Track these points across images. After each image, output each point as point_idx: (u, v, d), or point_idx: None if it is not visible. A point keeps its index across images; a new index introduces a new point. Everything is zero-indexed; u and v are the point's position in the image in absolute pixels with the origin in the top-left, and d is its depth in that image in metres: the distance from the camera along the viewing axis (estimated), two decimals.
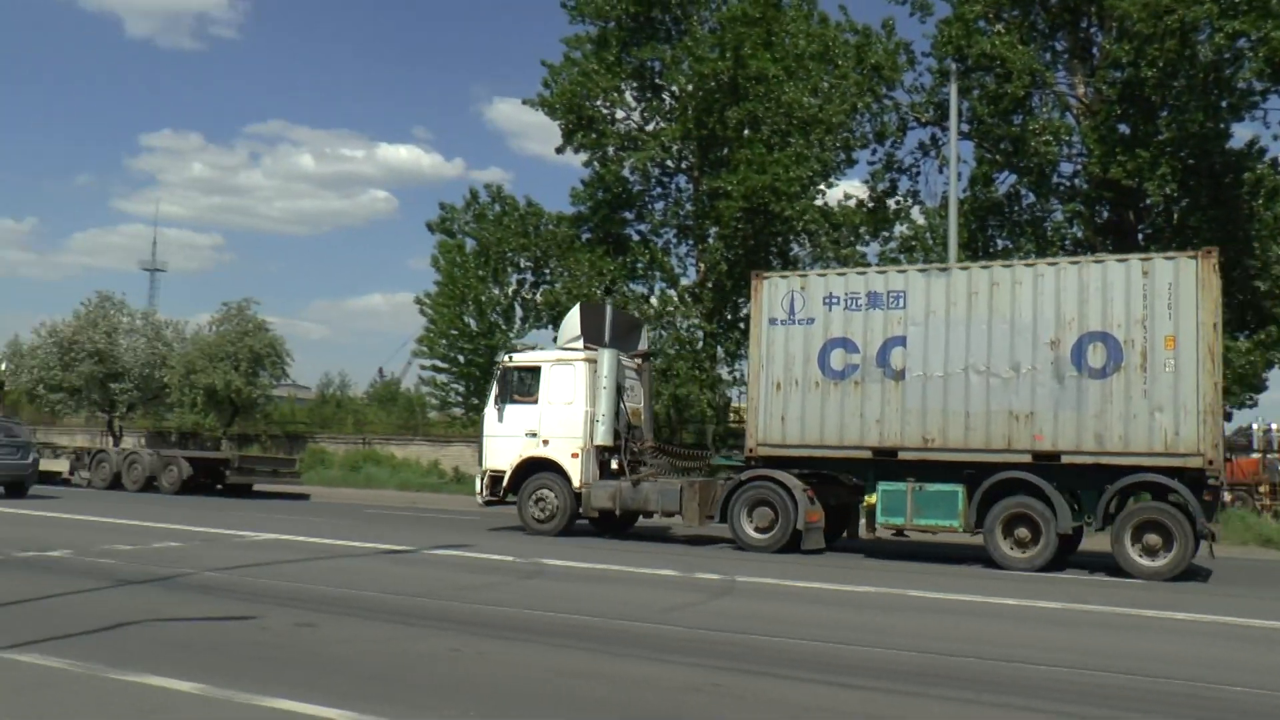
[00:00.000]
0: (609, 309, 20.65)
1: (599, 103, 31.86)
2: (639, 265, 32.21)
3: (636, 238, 33.37)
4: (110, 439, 40.85)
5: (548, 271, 34.23)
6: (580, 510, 18.02)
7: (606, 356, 17.97)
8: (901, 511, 15.50)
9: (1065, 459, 14.60)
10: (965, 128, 26.30)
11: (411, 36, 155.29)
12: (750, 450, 16.92)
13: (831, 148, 29.14)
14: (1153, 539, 13.93)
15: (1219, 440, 14.45)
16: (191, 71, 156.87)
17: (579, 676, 6.88)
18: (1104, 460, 14.34)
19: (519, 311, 35.23)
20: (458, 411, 38.27)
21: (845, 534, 17.53)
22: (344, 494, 31.17)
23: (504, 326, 34.68)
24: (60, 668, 6.46)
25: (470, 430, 37.82)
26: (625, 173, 32.43)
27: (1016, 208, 28.25)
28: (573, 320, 19.54)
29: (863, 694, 6.57)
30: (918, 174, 29.50)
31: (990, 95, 26.20)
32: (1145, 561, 13.99)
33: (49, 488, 27.37)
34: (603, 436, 17.85)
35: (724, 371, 32.32)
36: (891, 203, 29.77)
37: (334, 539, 15.84)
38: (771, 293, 17.04)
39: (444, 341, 34.91)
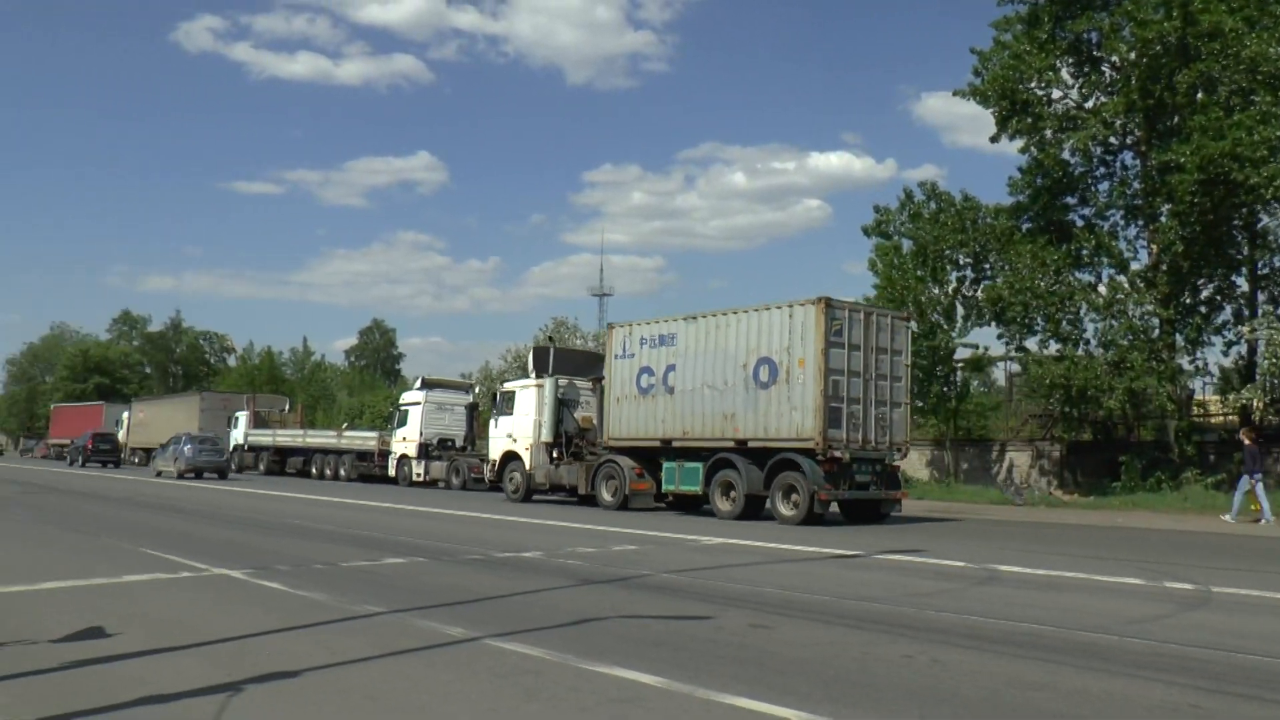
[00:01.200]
0: (552, 350, 29.30)
1: (1033, 85, 30.34)
2: (1084, 252, 30.25)
3: (1080, 223, 31.42)
4: None
5: (988, 266, 33.01)
6: (531, 484, 27.36)
7: (548, 384, 27.03)
8: (673, 481, 23.05)
9: (750, 444, 21.37)
10: None
11: (833, 43, 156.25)
12: (605, 442, 24.75)
13: None
14: (801, 497, 20.26)
15: (826, 428, 20.03)
16: (627, 108, 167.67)
17: (1038, 689, 6.48)
18: (769, 444, 21.01)
19: (960, 310, 34.21)
20: None
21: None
22: None
23: (945, 326, 33.80)
24: (539, 656, 7.03)
25: (916, 434, 37.17)
26: (1065, 155, 30.63)
27: None
28: (531, 358, 29.71)
29: None
30: None
31: None
32: (786, 510, 20.57)
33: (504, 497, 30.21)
34: (546, 436, 26.89)
35: (1184, 361, 29.47)
36: None
37: (783, 543, 16.13)
38: (616, 337, 24.66)
39: None
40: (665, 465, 23.13)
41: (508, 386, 29.78)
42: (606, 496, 24.32)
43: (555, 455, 26.73)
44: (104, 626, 7.97)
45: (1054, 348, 31.21)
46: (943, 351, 33.75)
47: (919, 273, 33.52)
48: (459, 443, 38.07)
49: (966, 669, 7.00)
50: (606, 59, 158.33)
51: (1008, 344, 32.97)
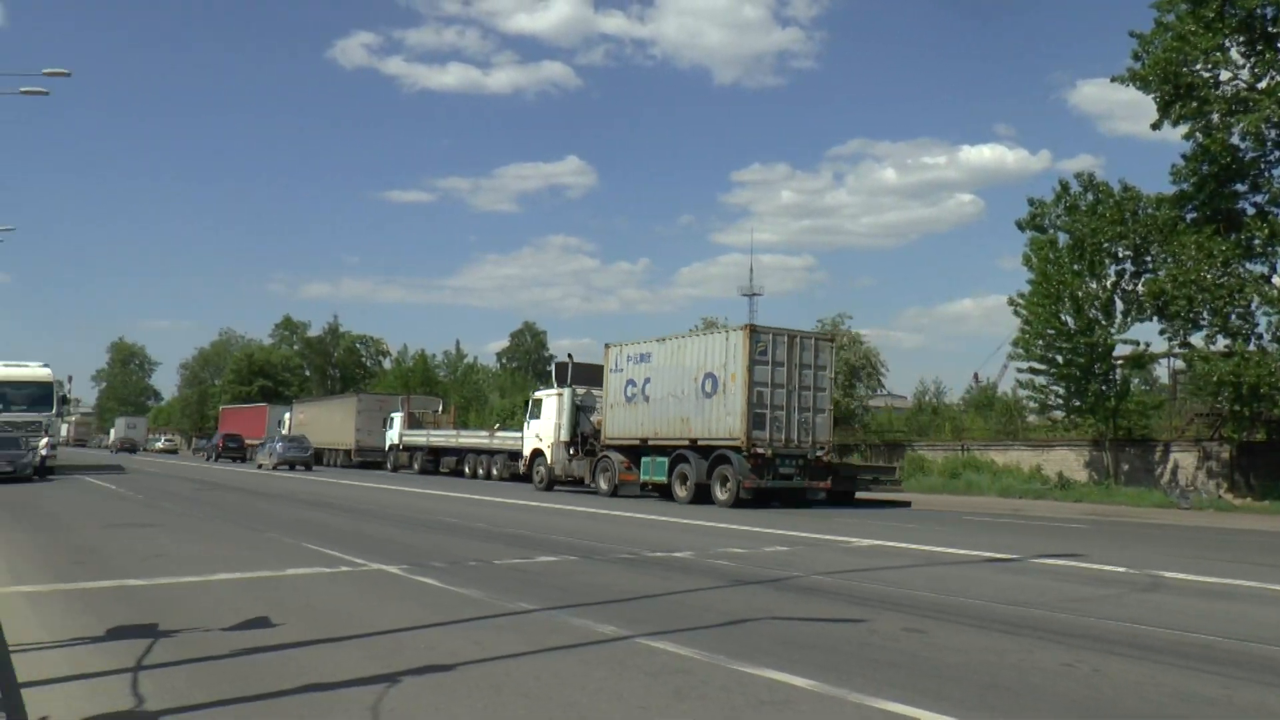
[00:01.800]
0: (570, 365, 33.95)
1: (1198, 67, 28.98)
2: (1255, 242, 28.71)
3: (1251, 211, 29.79)
4: None
5: (1149, 259, 31.72)
6: (552, 476, 33.36)
7: (566, 393, 32.70)
8: (649, 473, 28.06)
9: (699, 443, 26.50)
10: None
11: (984, 32, 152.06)
12: (603, 441, 30.27)
13: None
14: (730, 485, 25.42)
15: (750, 430, 25.04)
16: (775, 106, 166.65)
17: (1211, 703, 6.21)
18: (711, 443, 26.16)
19: (1119, 304, 32.95)
20: (1058, 414, 36.58)
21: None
22: (943, 500, 31.11)
23: (1104, 321, 32.59)
24: (690, 655, 7.07)
25: (1073, 434, 36.01)
26: (1234, 140, 29.16)
27: None
28: (553, 371, 36.34)
29: None
30: None
31: None
32: (721, 495, 25.58)
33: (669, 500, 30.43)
34: (564, 436, 32.42)
35: None
36: None
37: (936, 545, 15.86)
38: (610, 355, 30.20)
39: (1040, 342, 33.58)
40: (643, 460, 28.36)
41: (536, 395, 35.84)
42: (603, 485, 29.94)
43: (571, 452, 32.05)
44: (269, 617, 8.36)
45: (1222, 343, 29.79)
46: (1100, 348, 32.53)
47: (1075, 267, 32.41)
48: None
49: (1130, 679, 6.75)
50: (754, 57, 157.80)
51: (1171, 340, 31.64)
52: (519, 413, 56.77)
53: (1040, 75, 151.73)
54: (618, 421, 29.48)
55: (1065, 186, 33.51)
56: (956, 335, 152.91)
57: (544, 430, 33.77)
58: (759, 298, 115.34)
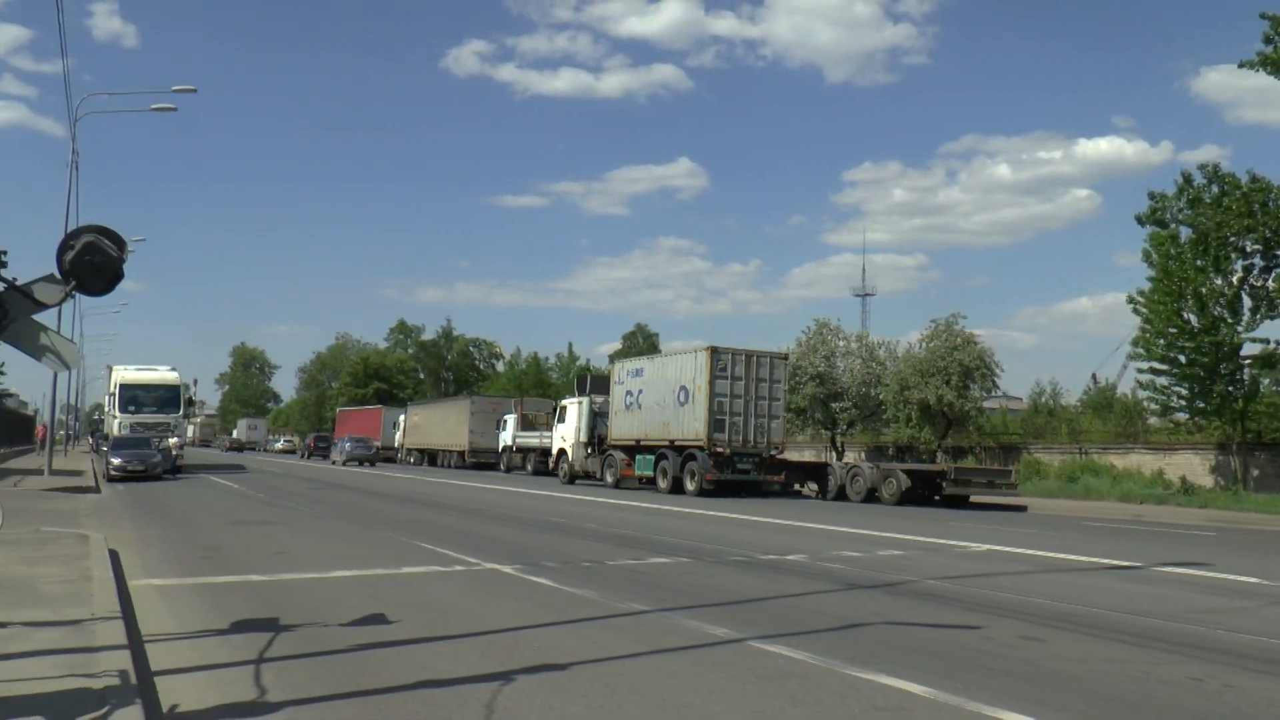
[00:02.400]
0: (589, 378, 40.99)
1: None
2: None
3: None
4: (833, 454, 43.98)
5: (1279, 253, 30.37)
6: (572, 471, 37.52)
7: (585, 401, 38.00)
8: (641, 468, 33.38)
9: (675, 443, 31.79)
10: None
11: (1101, 21, 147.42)
12: (610, 442, 35.43)
13: None
14: (695, 477, 30.71)
15: (711, 432, 30.44)
16: (886, 104, 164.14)
17: None
18: (684, 444, 31.47)
19: (1247, 301, 31.67)
20: (1181, 417, 35.33)
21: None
22: (1061, 505, 30.33)
23: (1230, 319, 31.38)
24: (804, 659, 7.05)
25: (1197, 437, 34.76)
26: None
27: None
28: (574, 382, 43.43)
29: None
30: None
31: None
32: (690, 486, 30.89)
33: (781, 498, 30.27)
34: (583, 438, 37.17)
35: None
36: None
37: (1053, 552, 15.49)
38: (615, 369, 36.89)
39: (1161, 341, 32.49)
40: (637, 457, 33.91)
41: (563, 403, 41.33)
42: (608, 479, 35.15)
43: (588, 451, 37.19)
44: (385, 614, 8.57)
45: None
46: (1226, 347, 31.33)
47: (1199, 262, 31.29)
48: None
49: (1264, 697, 6.50)
50: (866, 55, 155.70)
51: None
52: None
53: (1161, 63, 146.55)
54: (619, 425, 35.21)
55: (1188, 179, 32.36)
56: (1073, 334, 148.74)
57: (567, 433, 38.61)
58: (871, 298, 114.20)
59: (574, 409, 38.61)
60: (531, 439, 48.44)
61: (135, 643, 7.07)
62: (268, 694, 6.02)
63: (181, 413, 39.78)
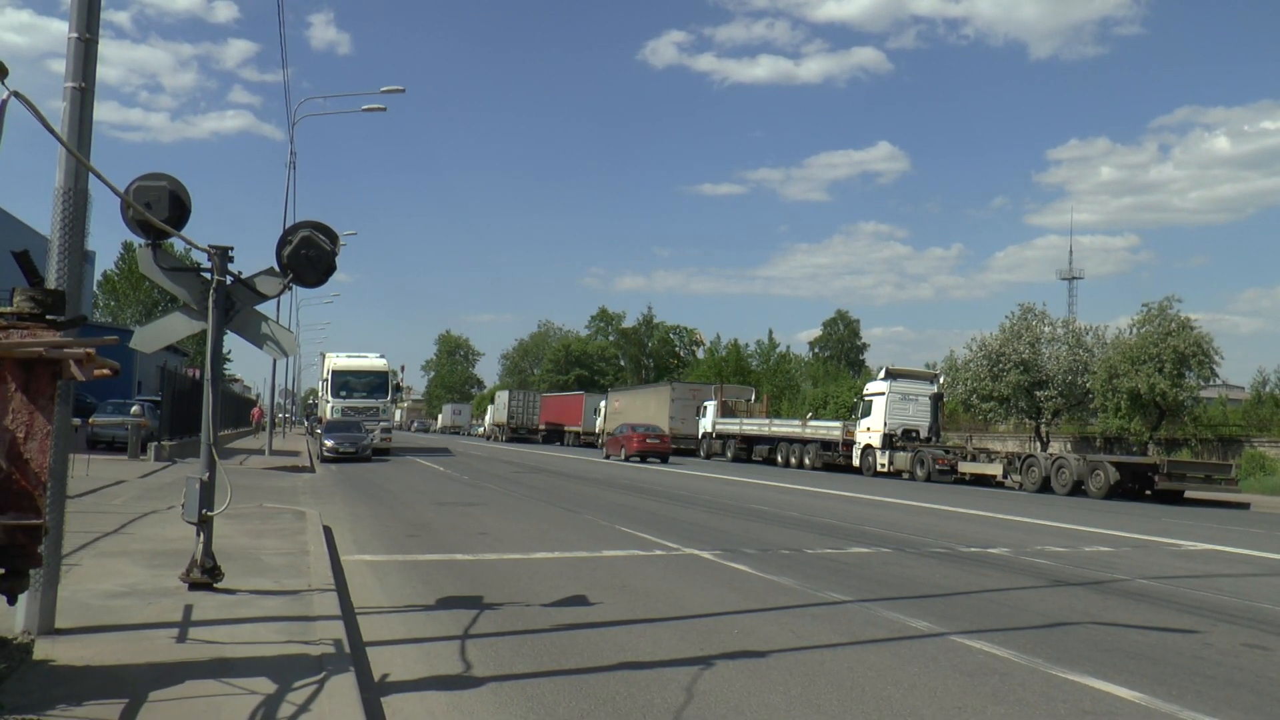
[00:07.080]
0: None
1: None
2: None
3: None
4: (1038, 444, 42.43)
5: None
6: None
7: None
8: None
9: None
10: None
11: None
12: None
13: None
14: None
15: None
16: (1092, 78, 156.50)
17: None
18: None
19: None
20: None
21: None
22: None
23: None
24: (1006, 657, 6.90)
25: None
26: None
27: None
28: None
29: None
30: None
31: None
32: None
33: (982, 489, 29.41)
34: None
35: None
36: None
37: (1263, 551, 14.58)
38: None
39: None
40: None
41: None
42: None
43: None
44: (586, 595, 8.83)
45: None
46: None
47: None
48: (923, 433, 37.52)
49: None
50: (1073, 28, 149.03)
51: None
52: (832, 402, 56.81)
53: None
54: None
55: None
56: None
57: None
58: (1078, 281, 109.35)
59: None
60: (731, 426, 48.64)
61: (348, 614, 7.54)
62: (473, 669, 6.31)
63: (389, 398, 41.70)
